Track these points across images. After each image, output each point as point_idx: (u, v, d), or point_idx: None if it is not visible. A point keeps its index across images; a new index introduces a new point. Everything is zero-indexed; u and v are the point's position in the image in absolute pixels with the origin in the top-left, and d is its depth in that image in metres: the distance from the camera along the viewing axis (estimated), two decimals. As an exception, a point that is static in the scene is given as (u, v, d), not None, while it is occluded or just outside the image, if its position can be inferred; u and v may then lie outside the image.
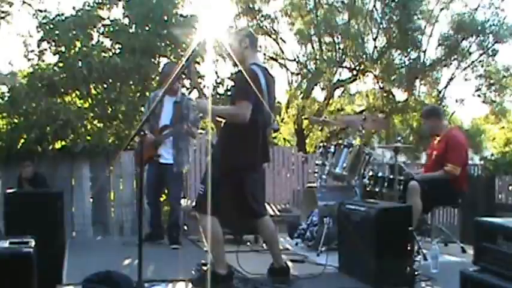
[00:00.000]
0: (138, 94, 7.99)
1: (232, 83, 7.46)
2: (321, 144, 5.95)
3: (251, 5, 15.10)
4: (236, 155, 3.76)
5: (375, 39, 14.85)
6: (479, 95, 15.88)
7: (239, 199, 3.89)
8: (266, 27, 15.60)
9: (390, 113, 15.22)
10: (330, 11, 14.53)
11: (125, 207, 6.93)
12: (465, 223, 7.44)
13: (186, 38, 7.75)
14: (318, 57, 14.63)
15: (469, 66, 15.27)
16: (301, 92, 15.89)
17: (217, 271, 3.76)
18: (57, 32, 7.64)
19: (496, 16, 14.54)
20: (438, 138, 5.54)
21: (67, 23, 7.73)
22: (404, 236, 3.98)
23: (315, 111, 15.28)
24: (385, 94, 15.32)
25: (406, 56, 14.47)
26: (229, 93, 8.11)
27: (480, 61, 15.18)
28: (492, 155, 12.00)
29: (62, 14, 7.93)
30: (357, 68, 15.08)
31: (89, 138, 7.03)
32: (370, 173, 5.62)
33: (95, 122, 7.51)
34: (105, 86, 7.75)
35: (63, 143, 7.04)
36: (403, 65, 14.53)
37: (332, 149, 5.61)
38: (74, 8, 8.02)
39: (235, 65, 4.20)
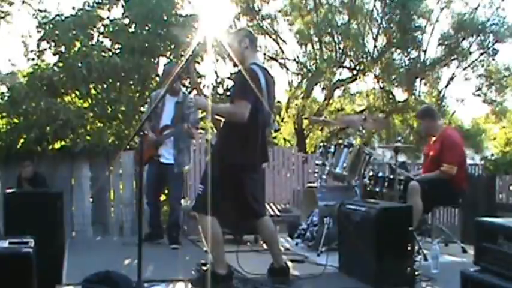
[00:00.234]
0: (138, 94, 7.98)
1: (232, 83, 7.46)
2: (321, 144, 5.95)
3: (251, 5, 15.09)
4: (235, 154, 3.76)
5: (375, 39, 14.85)
6: (479, 95, 15.90)
7: (239, 199, 3.88)
8: (266, 27, 15.60)
9: (390, 112, 15.22)
10: (329, 11, 14.52)
11: (124, 207, 6.92)
12: (466, 223, 7.42)
13: (186, 37, 7.74)
14: (318, 57, 14.62)
15: (469, 65, 15.27)
16: (301, 92, 15.88)
17: (217, 271, 3.75)
18: (56, 32, 7.63)
19: (496, 16, 14.54)
20: (434, 139, 5.54)
21: (67, 23, 7.72)
22: (405, 236, 3.98)
23: (315, 111, 15.29)
24: (385, 94, 15.31)
25: (406, 56, 14.47)
26: (228, 93, 8.10)
27: (480, 61, 15.18)
28: (492, 154, 11.99)
29: (62, 14, 7.92)
30: (357, 67, 15.08)
31: (88, 138, 7.02)
32: (370, 173, 5.62)
33: (95, 122, 7.50)
34: (104, 86, 7.74)
35: (63, 143, 7.03)
36: (403, 64, 14.53)
37: (332, 149, 5.61)
38: (73, 8, 8.02)
39: (235, 65, 4.19)
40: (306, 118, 14.54)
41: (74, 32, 7.62)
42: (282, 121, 14.93)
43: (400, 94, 15.34)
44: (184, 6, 8.65)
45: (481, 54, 14.91)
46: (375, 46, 14.83)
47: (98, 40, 7.99)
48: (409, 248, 3.97)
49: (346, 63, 15.20)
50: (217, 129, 3.97)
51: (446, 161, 5.23)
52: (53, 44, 7.66)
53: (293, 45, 15.67)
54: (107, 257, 5.05)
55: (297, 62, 15.76)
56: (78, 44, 7.55)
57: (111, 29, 7.98)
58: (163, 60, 8.02)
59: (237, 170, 3.78)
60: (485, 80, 15.63)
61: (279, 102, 14.43)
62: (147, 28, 7.94)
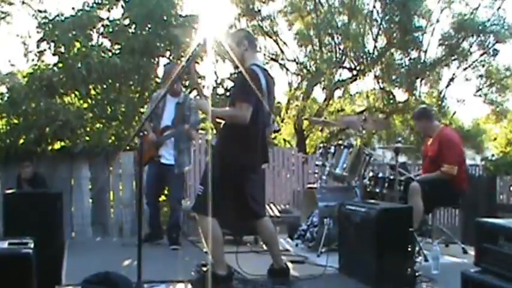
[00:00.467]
0: (138, 95, 7.98)
1: (232, 84, 7.45)
2: (321, 145, 5.95)
3: (251, 6, 15.08)
4: (235, 155, 3.75)
5: (375, 39, 14.83)
6: (480, 95, 15.89)
7: (238, 200, 3.88)
8: (266, 28, 15.59)
9: (390, 113, 15.21)
10: (329, 12, 14.51)
11: (124, 207, 6.92)
12: (466, 224, 7.42)
13: (186, 38, 7.73)
14: (318, 57, 14.61)
15: (469, 66, 15.25)
16: (301, 93, 15.87)
17: (217, 272, 3.75)
18: (56, 32, 7.62)
19: (497, 16, 14.52)
20: (431, 139, 5.53)
21: (66, 24, 7.71)
22: (405, 237, 3.97)
23: (315, 111, 15.27)
24: (385, 94, 15.30)
25: (406, 56, 14.46)
26: (228, 93, 8.10)
27: (481, 61, 15.15)
28: (493, 155, 11.97)
29: (62, 15, 7.91)
30: (357, 68, 15.06)
31: (88, 138, 7.01)
32: (371, 174, 5.62)
33: (95, 122, 7.50)
34: (104, 86, 7.74)
35: (63, 143, 7.02)
36: (404, 65, 14.51)
37: (332, 150, 5.61)
38: (73, 8, 8.01)
39: (236, 67, 4.19)
40: (306, 119, 14.53)
41: (73, 33, 7.62)
42: (282, 122, 14.92)
43: (400, 94, 15.34)
44: (184, 7, 8.66)
45: (482, 54, 14.89)
46: (375, 46, 14.82)
47: (97, 41, 7.99)
48: (409, 249, 3.97)
49: (346, 64, 15.19)
50: (217, 130, 3.97)
51: (446, 161, 5.23)
52: (52, 44, 7.65)
53: (293, 45, 15.65)
54: (106, 258, 5.05)
55: (297, 63, 15.75)
56: (77, 45, 7.54)
57: (110, 30, 7.97)
58: (163, 61, 8.02)
59: (237, 170, 3.78)
60: (485, 80, 15.61)
61: (279, 102, 14.41)
62: (147, 29, 7.93)
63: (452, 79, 15.40)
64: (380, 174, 5.59)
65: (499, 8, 14.61)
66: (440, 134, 5.43)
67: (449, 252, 5.33)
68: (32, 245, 2.89)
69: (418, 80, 14.91)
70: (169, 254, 5.40)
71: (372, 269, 3.92)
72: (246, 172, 3.85)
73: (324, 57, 14.26)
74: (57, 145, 7.03)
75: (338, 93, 16.25)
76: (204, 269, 3.81)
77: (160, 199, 6.27)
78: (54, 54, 7.70)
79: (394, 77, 14.46)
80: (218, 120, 3.93)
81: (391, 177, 5.37)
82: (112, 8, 8.32)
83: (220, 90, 8.73)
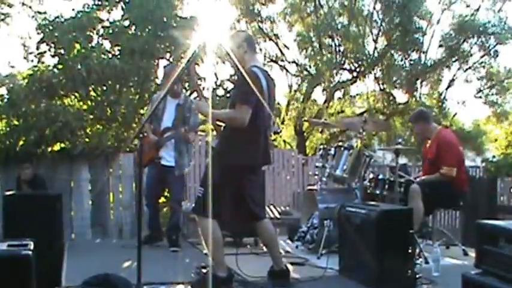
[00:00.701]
0: (138, 96, 7.98)
1: (233, 85, 7.45)
2: (321, 147, 5.94)
3: (251, 8, 15.08)
4: (236, 156, 3.75)
5: (375, 41, 14.83)
6: (480, 97, 15.89)
7: (239, 202, 3.87)
8: (266, 29, 15.59)
9: (391, 114, 15.21)
10: (329, 13, 14.52)
11: (124, 209, 6.92)
12: (467, 226, 7.41)
13: (186, 39, 7.73)
14: (318, 59, 14.61)
15: (470, 67, 15.25)
16: (301, 94, 15.87)
17: (217, 274, 3.74)
18: (56, 34, 7.64)
19: (497, 17, 14.53)
20: (429, 141, 5.53)
21: (66, 25, 7.72)
22: (406, 238, 3.96)
23: (315, 113, 15.26)
24: (385, 96, 15.30)
25: (406, 58, 14.45)
26: (228, 95, 8.09)
27: (481, 62, 15.15)
28: (494, 156, 11.95)
29: (62, 16, 7.93)
30: (357, 69, 15.06)
31: (88, 140, 7.02)
32: (371, 175, 5.61)
33: (94, 124, 7.49)
34: (104, 88, 7.74)
35: (62, 145, 7.02)
36: (404, 66, 14.50)
37: (332, 151, 5.60)
38: (73, 9, 8.03)
39: (236, 69, 4.18)
40: (306, 120, 14.53)
41: (73, 34, 7.63)
42: (282, 123, 14.93)
43: (400, 96, 15.34)
44: (183, 9, 8.67)
45: (482, 56, 14.88)
46: (375, 48, 14.81)
47: (97, 42, 8.00)
48: (409, 251, 3.96)
49: (347, 65, 15.17)
50: (217, 132, 3.96)
51: (445, 163, 5.22)
52: (52, 46, 7.66)
53: (293, 47, 15.65)
54: (106, 260, 5.04)
55: (297, 64, 15.75)
56: (77, 46, 7.55)
57: (110, 31, 7.98)
58: (163, 62, 8.03)
59: (236, 171, 3.77)
60: (486, 82, 15.63)
61: (279, 104, 14.42)
62: (146, 30, 7.94)
63: (452, 80, 15.41)
64: (380, 176, 5.58)
65: (500, 9, 14.65)
66: (438, 136, 5.42)
67: (449, 254, 5.32)
68: (31, 247, 2.88)
69: (419, 82, 14.91)
70: (169, 255, 5.39)
71: (372, 271, 3.91)
72: (246, 173, 3.84)
73: (324, 59, 14.25)
74: (57, 147, 7.03)
75: (338, 94, 16.26)
76: (204, 270, 3.81)
77: (160, 201, 6.26)
78: (54, 56, 7.71)
79: (394, 79, 14.45)
80: (218, 123, 3.93)
81: (392, 179, 5.36)
82: (112, 10, 8.34)
83: (220, 92, 8.75)
